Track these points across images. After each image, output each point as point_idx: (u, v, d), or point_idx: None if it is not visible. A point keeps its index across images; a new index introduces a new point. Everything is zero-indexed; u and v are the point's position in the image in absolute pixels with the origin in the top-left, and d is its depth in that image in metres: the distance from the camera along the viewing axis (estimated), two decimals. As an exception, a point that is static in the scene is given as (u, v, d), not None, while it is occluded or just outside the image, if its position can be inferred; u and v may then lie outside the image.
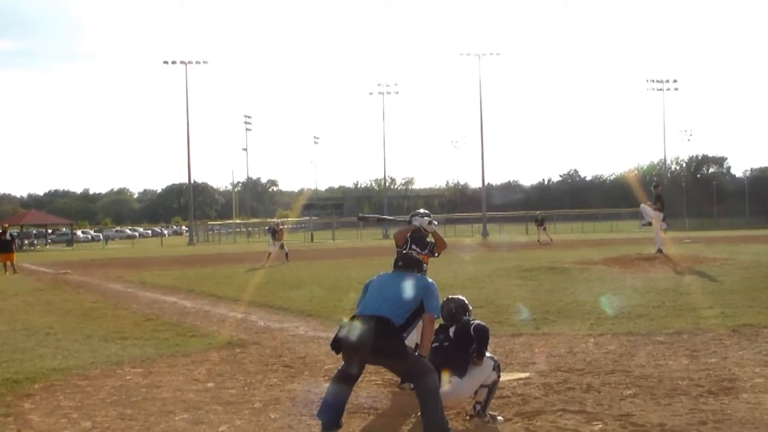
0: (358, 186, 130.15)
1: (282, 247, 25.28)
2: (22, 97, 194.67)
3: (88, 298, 15.03)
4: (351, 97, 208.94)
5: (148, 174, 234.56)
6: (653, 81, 71.08)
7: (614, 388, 6.00)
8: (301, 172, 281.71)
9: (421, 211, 7.01)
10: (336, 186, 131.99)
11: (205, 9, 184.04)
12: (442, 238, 6.96)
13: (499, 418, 5.26)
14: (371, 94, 69.25)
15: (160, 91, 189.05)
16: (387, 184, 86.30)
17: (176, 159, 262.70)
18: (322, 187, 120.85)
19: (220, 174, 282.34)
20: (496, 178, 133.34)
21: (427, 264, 6.70)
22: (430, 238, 6.88)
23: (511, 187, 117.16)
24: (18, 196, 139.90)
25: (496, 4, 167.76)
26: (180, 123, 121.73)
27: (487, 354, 5.20)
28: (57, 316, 12.01)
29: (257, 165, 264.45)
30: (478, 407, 5.18)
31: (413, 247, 6.76)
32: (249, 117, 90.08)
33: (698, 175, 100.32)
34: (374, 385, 6.44)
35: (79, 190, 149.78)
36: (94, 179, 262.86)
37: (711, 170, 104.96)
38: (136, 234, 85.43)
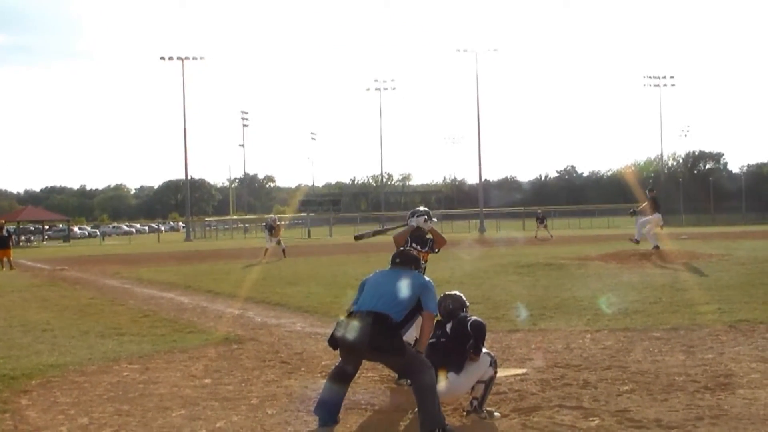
0: (356, 182, 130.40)
1: (279, 243, 25.29)
2: (19, 93, 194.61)
3: (84, 294, 15.01)
4: (348, 93, 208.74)
5: (145, 170, 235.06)
6: (650, 77, 71.37)
7: (611, 384, 6.00)
8: (298, 168, 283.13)
9: (420, 209, 7.00)
10: (333, 182, 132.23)
11: (202, 5, 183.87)
12: (441, 235, 6.97)
13: (496, 414, 5.26)
14: (368, 90, 69.71)
15: (158, 88, 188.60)
16: (384, 180, 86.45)
17: (173, 155, 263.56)
18: (319, 183, 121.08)
19: (217, 170, 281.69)
20: (494, 174, 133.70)
21: (426, 261, 6.72)
22: (429, 236, 6.88)
23: (508, 184, 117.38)
24: (15, 192, 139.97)
25: (493, 0, 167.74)
26: (177, 119, 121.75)
27: (484, 350, 5.20)
28: (54, 312, 11.98)
29: (254, 161, 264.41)
30: (475, 403, 5.18)
31: (413, 245, 6.75)
32: (246, 113, 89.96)
33: (695, 172, 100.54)
34: (371, 382, 6.45)
35: (76, 186, 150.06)
36: (91, 175, 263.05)
37: (708, 166, 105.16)
38: (133, 230, 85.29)
